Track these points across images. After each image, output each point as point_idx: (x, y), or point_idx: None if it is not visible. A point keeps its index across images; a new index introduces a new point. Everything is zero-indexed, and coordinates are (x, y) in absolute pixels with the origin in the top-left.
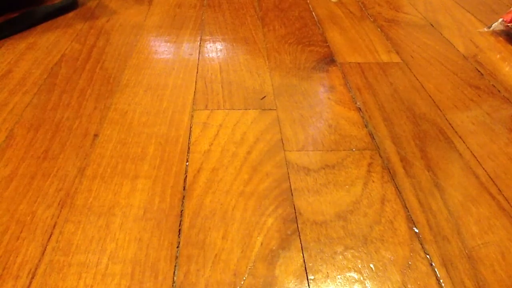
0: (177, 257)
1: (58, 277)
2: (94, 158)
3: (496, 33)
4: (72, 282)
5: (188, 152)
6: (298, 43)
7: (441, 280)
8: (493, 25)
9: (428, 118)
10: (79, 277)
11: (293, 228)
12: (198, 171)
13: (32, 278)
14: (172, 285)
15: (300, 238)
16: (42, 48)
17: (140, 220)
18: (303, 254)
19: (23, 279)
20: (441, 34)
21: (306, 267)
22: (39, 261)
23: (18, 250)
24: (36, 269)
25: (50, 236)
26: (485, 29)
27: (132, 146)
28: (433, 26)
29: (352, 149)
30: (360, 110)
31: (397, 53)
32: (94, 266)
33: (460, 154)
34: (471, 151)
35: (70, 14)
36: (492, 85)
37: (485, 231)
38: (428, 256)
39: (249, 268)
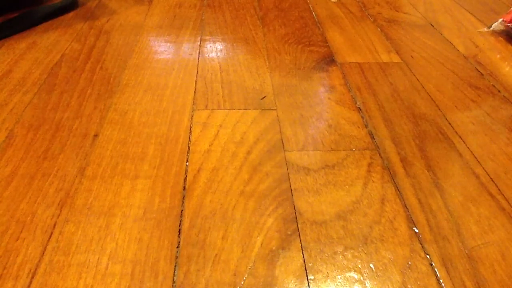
0: (177, 257)
1: (58, 277)
2: (94, 158)
3: (496, 33)
4: (72, 282)
5: (188, 152)
6: (298, 43)
7: (441, 280)
8: (493, 25)
9: (428, 118)
10: (79, 277)
11: (293, 228)
12: (198, 171)
13: (32, 278)
14: (172, 285)
15: (300, 238)
16: (42, 48)
17: (140, 220)
18: (303, 254)
19: (23, 279)
20: (441, 34)
21: (306, 267)
22: (39, 261)
23: (18, 250)
24: (36, 269)
25: (50, 236)
26: (485, 29)
27: (132, 146)
28: (433, 26)
29: (352, 149)
30: (360, 110)
31: (397, 53)
32: (94, 266)
33: (460, 154)
34: (471, 151)
35: (70, 14)
36: (492, 85)
37: (485, 231)
38: (428, 256)
39: (249, 268)
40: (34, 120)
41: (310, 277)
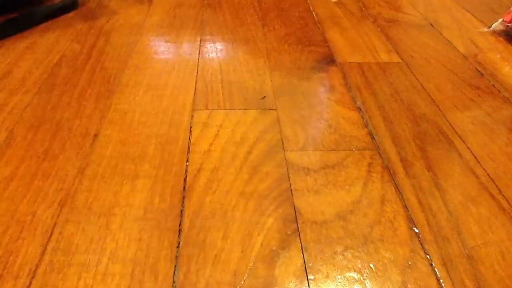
0: (177, 257)
1: (58, 277)
2: (94, 158)
3: (496, 33)
4: (72, 282)
5: (188, 152)
6: (298, 43)
7: (441, 280)
8: (493, 25)
9: (428, 118)
10: (79, 277)
11: (293, 228)
12: (198, 171)
13: (32, 278)
14: (172, 285)
15: (300, 238)
16: (42, 48)
17: (140, 220)
18: (303, 254)
19: (23, 279)
20: (441, 34)
21: (306, 267)
22: (39, 261)
23: (18, 250)
24: (36, 269)
25: (50, 236)
26: (485, 29)
27: (132, 146)
28: (433, 26)
29: (352, 149)
30: (360, 110)
31: (397, 53)
32: (94, 266)
33: (460, 154)
34: (471, 151)
35: (70, 14)
36: (492, 85)
37: (485, 231)
38: (428, 256)
39: (249, 268)
40: (34, 120)
41: (310, 277)
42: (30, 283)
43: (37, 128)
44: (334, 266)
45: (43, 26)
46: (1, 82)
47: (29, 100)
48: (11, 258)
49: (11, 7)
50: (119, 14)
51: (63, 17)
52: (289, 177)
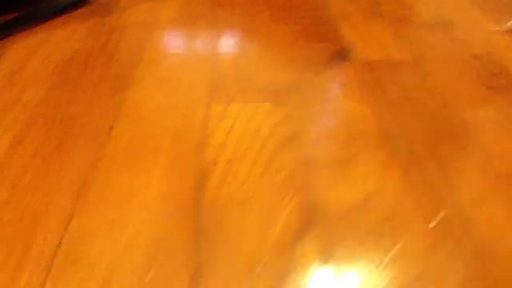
0: (193, 249)
1: (74, 268)
2: (109, 151)
3: (510, 32)
4: (88, 274)
5: (203, 145)
6: (311, 39)
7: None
8: (508, 24)
9: (440, 116)
10: (93, 269)
11: (308, 220)
12: (214, 164)
13: (49, 270)
14: (189, 275)
15: (315, 231)
16: (55, 43)
17: (156, 212)
18: (318, 246)
19: (39, 271)
20: (454, 33)
21: (323, 258)
22: (55, 252)
23: (34, 241)
24: (52, 260)
25: (66, 228)
26: (499, 28)
27: (147, 139)
28: (446, 25)
29: (363, 146)
30: (372, 107)
31: (409, 51)
32: (109, 258)
33: (473, 153)
34: (484, 150)
35: (83, 9)
36: (506, 83)
37: (498, 230)
38: (440, 254)
39: (266, 259)
40: (48, 114)
41: (327, 267)
42: (47, 275)
43: (51, 122)
44: (349, 257)
45: (55, 21)
46: (14, 77)
47: (42, 95)
48: (27, 249)
49: (17, 3)
50: (131, 9)
51: (75, 13)
52: (302, 170)
